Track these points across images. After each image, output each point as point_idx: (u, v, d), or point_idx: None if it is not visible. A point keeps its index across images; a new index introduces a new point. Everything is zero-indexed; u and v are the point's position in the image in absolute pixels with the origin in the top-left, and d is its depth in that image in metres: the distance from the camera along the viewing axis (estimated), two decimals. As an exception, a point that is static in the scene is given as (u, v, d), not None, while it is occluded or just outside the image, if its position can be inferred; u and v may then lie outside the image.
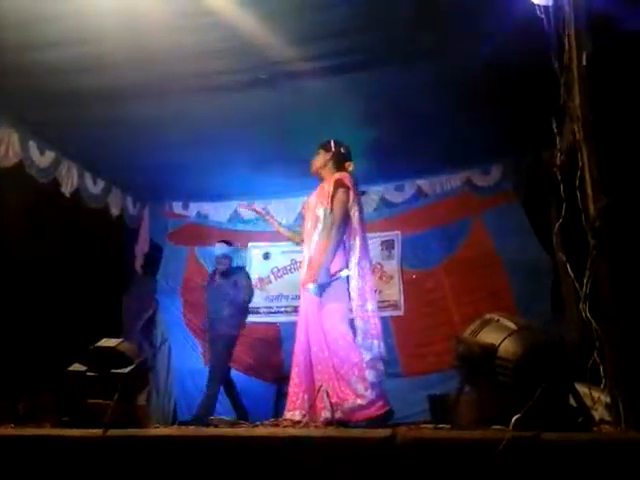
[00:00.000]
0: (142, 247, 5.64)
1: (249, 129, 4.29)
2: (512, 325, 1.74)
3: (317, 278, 3.31)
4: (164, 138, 4.37)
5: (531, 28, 2.70)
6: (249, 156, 4.73)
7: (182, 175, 5.08)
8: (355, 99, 3.95)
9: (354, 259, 3.39)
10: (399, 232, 5.33)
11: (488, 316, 1.84)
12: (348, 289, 3.39)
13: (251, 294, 5.07)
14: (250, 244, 5.71)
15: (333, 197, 3.45)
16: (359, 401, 3.10)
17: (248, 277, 5.14)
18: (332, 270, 3.36)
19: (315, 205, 3.61)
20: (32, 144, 4.32)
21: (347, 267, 3.40)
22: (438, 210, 5.19)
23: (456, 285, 4.96)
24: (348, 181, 3.51)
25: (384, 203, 5.40)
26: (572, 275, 2.15)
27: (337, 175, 3.54)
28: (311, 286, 3.38)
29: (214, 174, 5.09)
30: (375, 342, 3.32)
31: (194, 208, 5.86)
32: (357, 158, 4.15)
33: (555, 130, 2.52)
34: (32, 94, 3.75)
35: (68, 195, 4.69)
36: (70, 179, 4.72)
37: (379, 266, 5.31)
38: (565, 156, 2.55)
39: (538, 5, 2.60)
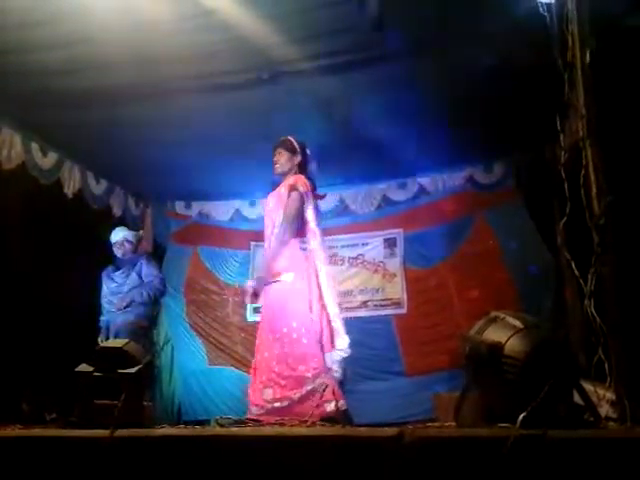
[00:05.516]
0: (145, 247, 5.62)
1: (251, 128, 4.30)
2: (518, 323, 1.74)
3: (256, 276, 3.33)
4: (166, 138, 4.37)
5: (534, 25, 2.70)
6: (250, 155, 4.73)
7: (184, 175, 5.08)
8: (357, 97, 3.95)
9: (314, 264, 3.34)
10: (402, 230, 5.32)
11: (494, 314, 1.84)
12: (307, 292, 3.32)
13: (162, 284, 4.78)
14: (253, 243, 5.70)
15: (286, 200, 3.42)
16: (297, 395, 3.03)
17: (154, 263, 4.88)
18: (278, 270, 3.32)
19: (273, 210, 3.52)
20: (34, 146, 4.33)
21: (303, 271, 3.33)
22: (441, 208, 5.18)
23: (459, 283, 4.95)
24: (302, 184, 3.43)
25: (386, 201, 5.41)
26: (577, 272, 2.15)
27: (291, 180, 3.48)
28: (249, 282, 3.40)
29: (216, 173, 5.10)
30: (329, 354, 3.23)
31: (196, 208, 5.86)
32: (359, 156, 4.17)
33: (559, 128, 2.52)
34: (34, 95, 3.76)
35: (71, 196, 4.70)
36: (73, 180, 4.72)
37: (382, 264, 5.32)
38: (568, 154, 2.55)
39: (541, 2, 2.60)
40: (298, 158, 3.55)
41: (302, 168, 3.56)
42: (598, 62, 2.18)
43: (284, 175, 3.56)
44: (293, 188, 3.42)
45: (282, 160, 3.55)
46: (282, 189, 3.50)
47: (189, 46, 3.37)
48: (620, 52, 2.36)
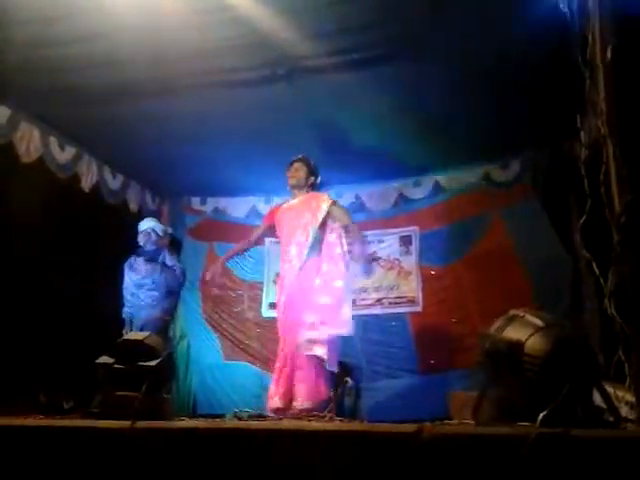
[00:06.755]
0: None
1: (267, 124, 4.30)
2: (538, 321, 1.73)
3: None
4: (182, 134, 4.39)
5: (554, 21, 2.68)
6: (266, 152, 4.74)
7: (200, 170, 5.10)
8: (372, 94, 3.93)
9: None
10: (417, 228, 5.30)
11: (513, 312, 1.83)
12: None
13: (182, 275, 4.86)
14: (268, 240, 5.70)
15: (344, 219, 3.93)
16: None
17: (176, 255, 4.98)
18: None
19: (306, 220, 3.94)
20: (52, 140, 4.36)
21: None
22: (457, 205, 5.14)
23: (475, 281, 4.91)
24: None
25: (402, 199, 5.39)
26: (597, 271, 2.13)
27: (328, 198, 4.01)
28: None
29: (231, 169, 5.11)
30: None
31: (212, 203, 5.88)
32: (374, 154, 4.17)
33: (579, 125, 2.49)
34: (53, 90, 3.79)
35: (87, 190, 4.74)
36: (90, 174, 4.76)
37: (397, 262, 5.31)
38: (588, 151, 2.53)
39: (561, -3, 2.58)
40: (313, 179, 4.03)
41: (313, 187, 4.06)
42: (620, 59, 2.15)
43: (295, 188, 4.02)
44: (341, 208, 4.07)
45: (300, 175, 4.01)
46: (314, 203, 3.96)
47: (205, 41, 3.38)
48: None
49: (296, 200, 4.05)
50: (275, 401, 3.61)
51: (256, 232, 4.45)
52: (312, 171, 4.03)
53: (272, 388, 3.76)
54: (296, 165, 4.02)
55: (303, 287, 3.81)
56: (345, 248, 3.77)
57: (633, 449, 1.42)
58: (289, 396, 3.59)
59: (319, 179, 4.12)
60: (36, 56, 3.44)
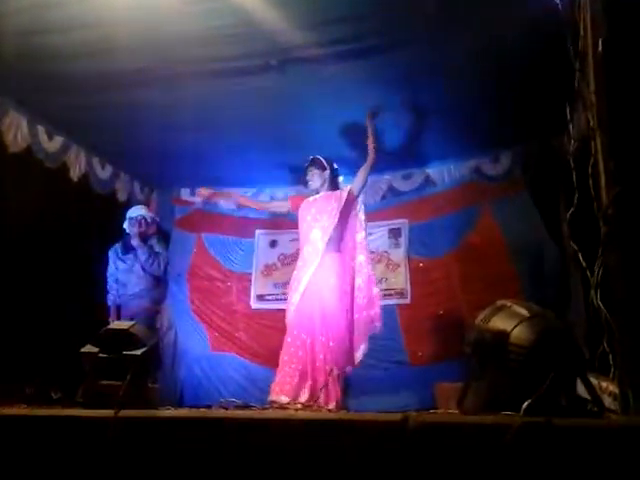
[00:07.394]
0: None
1: (258, 115, 4.28)
2: (524, 312, 1.74)
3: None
4: (172, 124, 4.35)
5: (543, 12, 2.67)
6: (258, 143, 4.72)
7: (190, 161, 5.06)
8: (364, 86, 3.93)
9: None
10: (406, 220, 5.30)
11: (500, 302, 1.84)
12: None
13: (166, 263, 4.88)
14: (257, 231, 5.69)
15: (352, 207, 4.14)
16: None
17: (163, 244, 4.99)
18: None
19: (331, 207, 4.05)
20: (40, 129, 4.32)
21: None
22: (446, 198, 5.15)
23: (464, 274, 4.93)
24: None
25: (392, 191, 5.39)
26: (584, 263, 2.14)
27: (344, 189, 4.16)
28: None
29: (222, 161, 5.08)
30: None
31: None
32: (364, 146, 4.17)
33: (568, 117, 2.50)
34: (41, 79, 3.74)
35: (76, 180, 4.70)
36: (78, 164, 4.72)
37: (386, 254, 5.31)
38: (577, 143, 2.54)
39: (552, -13, 2.57)
40: (327, 172, 4.16)
41: (332, 181, 4.19)
42: (611, 51, 2.15)
43: (317, 190, 4.16)
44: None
45: (314, 178, 4.16)
46: (337, 194, 4.14)
47: (197, 30, 3.33)
48: (634, 41, 2.32)
49: (319, 195, 4.17)
50: (285, 397, 3.38)
51: (276, 205, 4.81)
52: (324, 167, 4.15)
53: (281, 382, 3.58)
54: (308, 171, 4.18)
55: (329, 275, 3.86)
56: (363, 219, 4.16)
57: (614, 438, 1.44)
58: (306, 393, 3.41)
59: (336, 168, 4.23)
60: (24, 44, 3.39)
